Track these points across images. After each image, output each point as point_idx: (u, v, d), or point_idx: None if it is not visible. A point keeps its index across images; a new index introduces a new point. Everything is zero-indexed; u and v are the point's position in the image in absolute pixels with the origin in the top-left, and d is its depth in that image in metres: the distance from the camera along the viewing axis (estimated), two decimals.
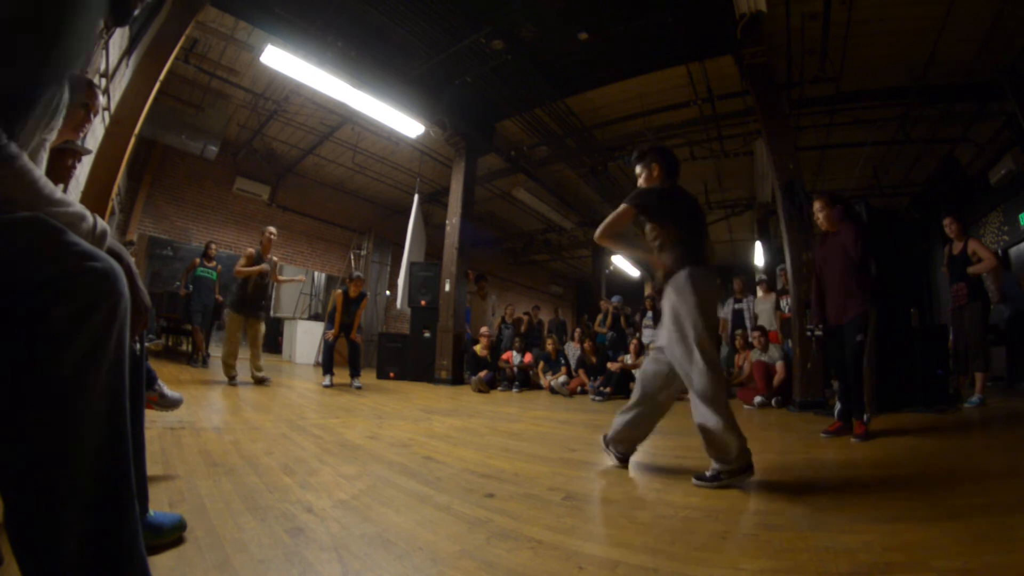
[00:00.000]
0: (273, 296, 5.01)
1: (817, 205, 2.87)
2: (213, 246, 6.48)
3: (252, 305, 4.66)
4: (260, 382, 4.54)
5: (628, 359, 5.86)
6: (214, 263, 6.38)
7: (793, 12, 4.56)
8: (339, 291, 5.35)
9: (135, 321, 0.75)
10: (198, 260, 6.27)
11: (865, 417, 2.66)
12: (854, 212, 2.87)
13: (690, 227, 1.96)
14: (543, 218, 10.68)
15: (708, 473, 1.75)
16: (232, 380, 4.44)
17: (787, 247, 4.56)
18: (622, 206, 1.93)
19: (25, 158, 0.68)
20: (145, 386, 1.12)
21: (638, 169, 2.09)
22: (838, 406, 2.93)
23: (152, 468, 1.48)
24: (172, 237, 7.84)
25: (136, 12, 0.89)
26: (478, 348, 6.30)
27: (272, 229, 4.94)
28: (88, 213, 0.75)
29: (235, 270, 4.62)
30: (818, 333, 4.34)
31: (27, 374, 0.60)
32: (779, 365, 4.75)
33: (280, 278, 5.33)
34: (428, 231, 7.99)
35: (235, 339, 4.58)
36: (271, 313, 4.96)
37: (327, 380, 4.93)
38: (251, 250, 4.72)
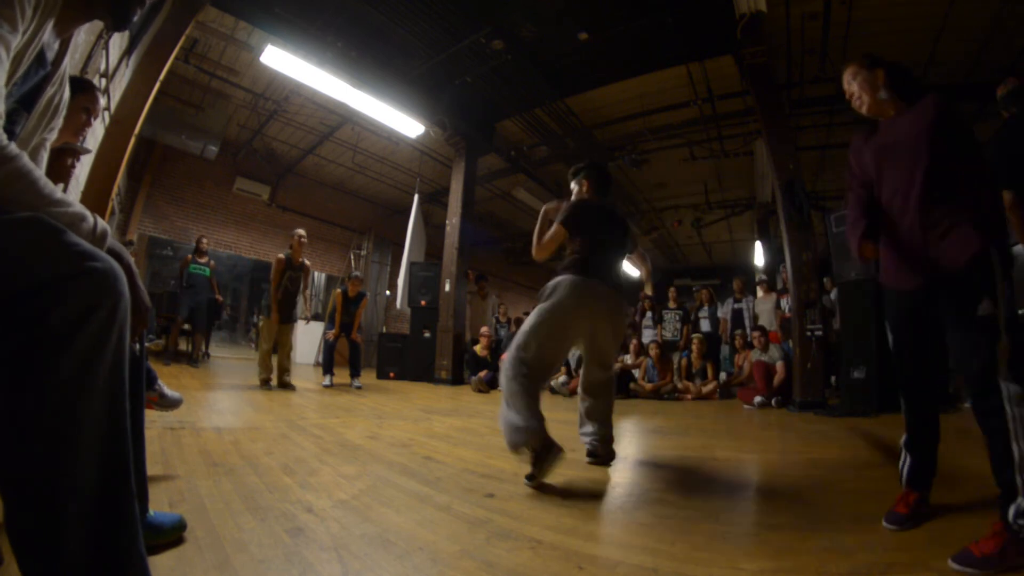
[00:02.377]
0: (299, 302, 4.88)
1: (848, 74, 1.58)
2: (204, 240, 6.32)
3: (288, 311, 4.61)
4: (286, 386, 4.49)
5: (628, 359, 5.86)
6: (206, 258, 6.21)
7: (793, 12, 4.55)
8: (338, 291, 5.35)
9: (135, 321, 0.75)
10: (190, 256, 6.16)
11: (1012, 512, 1.10)
12: (916, 84, 1.52)
13: (596, 242, 2.04)
14: None
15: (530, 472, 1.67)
16: (266, 384, 4.43)
17: (787, 247, 4.57)
18: (556, 225, 2.06)
19: (25, 158, 0.68)
20: (145, 386, 1.12)
21: (573, 184, 2.23)
22: (906, 460, 1.50)
23: (152, 468, 1.48)
24: (172, 237, 7.84)
25: (135, 17, 0.89)
26: (478, 348, 6.30)
27: (301, 232, 4.76)
28: (88, 213, 0.75)
29: (271, 288, 4.55)
30: (818, 333, 4.38)
31: (27, 375, 0.60)
32: (779, 365, 4.75)
33: (307, 291, 4.91)
34: (428, 231, 7.99)
35: (270, 345, 4.51)
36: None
37: (327, 380, 4.93)
38: (281, 256, 4.58)
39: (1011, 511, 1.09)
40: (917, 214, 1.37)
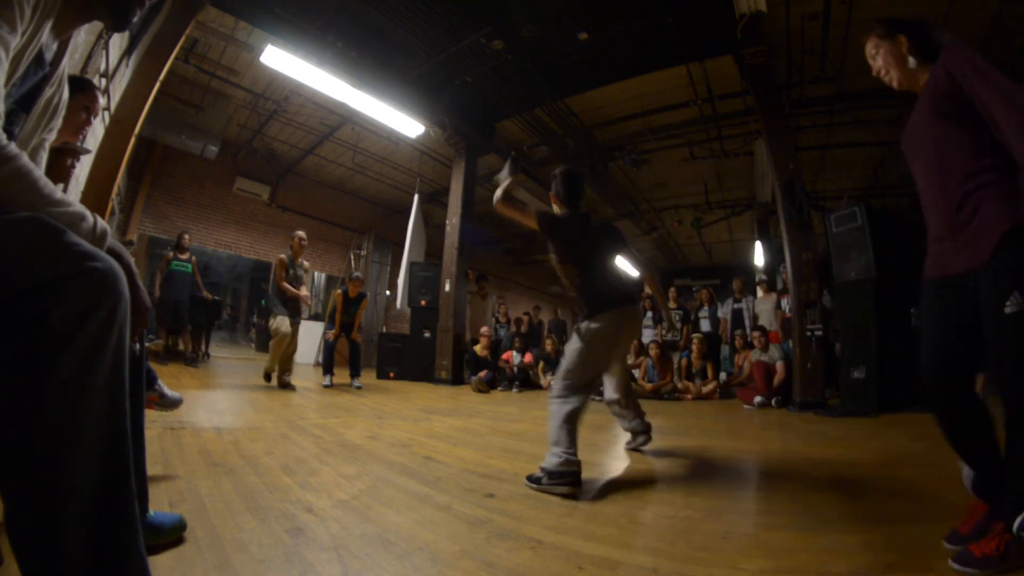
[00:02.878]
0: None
1: (869, 48, 1.34)
2: (186, 236, 6.12)
3: (295, 311, 4.61)
4: (285, 386, 4.47)
5: (628, 359, 5.86)
6: (187, 254, 6.05)
7: (793, 12, 4.56)
8: (339, 291, 5.36)
9: (135, 321, 0.75)
10: (171, 253, 5.94)
11: (1018, 522, 1.01)
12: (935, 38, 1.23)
13: (589, 265, 2.04)
14: None
15: (535, 474, 1.70)
16: (286, 386, 4.44)
17: (787, 247, 4.57)
18: (533, 212, 2.09)
19: (25, 158, 0.68)
20: (145, 386, 1.12)
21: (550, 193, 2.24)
22: (967, 471, 1.26)
23: (152, 468, 1.48)
24: (172, 237, 7.80)
25: (135, 18, 0.89)
26: (478, 348, 6.30)
27: (301, 233, 4.79)
28: (88, 213, 0.75)
29: (279, 285, 4.53)
30: (818, 333, 4.37)
31: (27, 375, 0.60)
32: (779, 365, 4.75)
33: (303, 287, 4.84)
34: (428, 231, 7.99)
35: (284, 347, 4.44)
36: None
37: (327, 380, 4.93)
38: (283, 256, 4.59)
39: (1018, 521, 1.00)
40: (941, 201, 1.16)
